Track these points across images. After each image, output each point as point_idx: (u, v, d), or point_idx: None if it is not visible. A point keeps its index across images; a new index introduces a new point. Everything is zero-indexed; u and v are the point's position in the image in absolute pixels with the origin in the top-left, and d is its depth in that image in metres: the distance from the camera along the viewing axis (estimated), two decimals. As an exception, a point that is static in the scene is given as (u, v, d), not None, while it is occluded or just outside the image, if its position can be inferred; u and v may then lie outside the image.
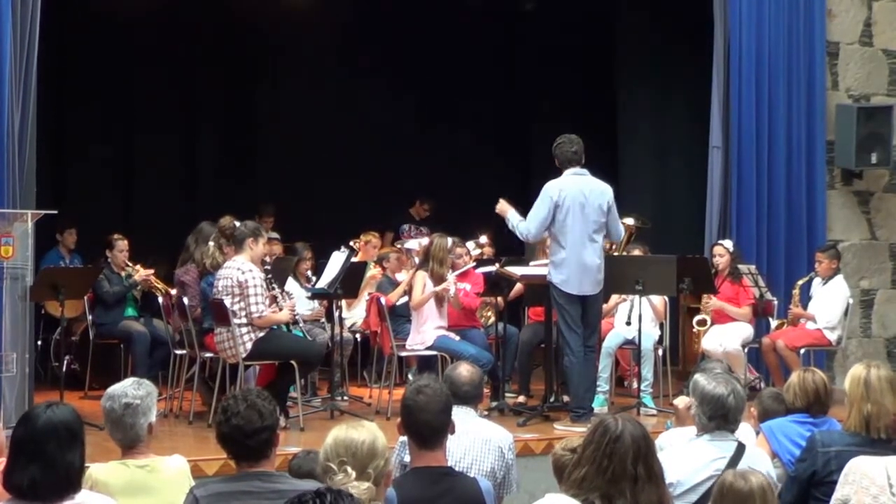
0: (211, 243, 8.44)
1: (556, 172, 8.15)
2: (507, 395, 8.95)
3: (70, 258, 10.43)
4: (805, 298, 9.58)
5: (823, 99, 10.21)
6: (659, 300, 9.33)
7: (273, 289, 8.02)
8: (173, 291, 8.93)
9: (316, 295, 9.23)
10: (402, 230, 12.26)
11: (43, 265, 9.01)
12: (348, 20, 12.14)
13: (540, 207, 7.95)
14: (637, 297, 8.79)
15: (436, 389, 4.24)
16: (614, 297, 9.31)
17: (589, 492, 3.61)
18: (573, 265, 7.92)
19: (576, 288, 7.95)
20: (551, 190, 7.96)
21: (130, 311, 9.80)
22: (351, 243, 10.33)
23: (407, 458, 4.48)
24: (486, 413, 7.81)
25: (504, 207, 8.27)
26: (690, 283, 9.00)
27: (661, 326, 9.46)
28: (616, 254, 9.57)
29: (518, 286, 9.16)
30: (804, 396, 5.51)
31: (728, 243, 9.60)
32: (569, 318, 7.94)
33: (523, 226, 8.08)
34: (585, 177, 8.05)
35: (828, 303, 9.42)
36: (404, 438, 4.53)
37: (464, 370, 5.13)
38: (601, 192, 8.05)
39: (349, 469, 3.50)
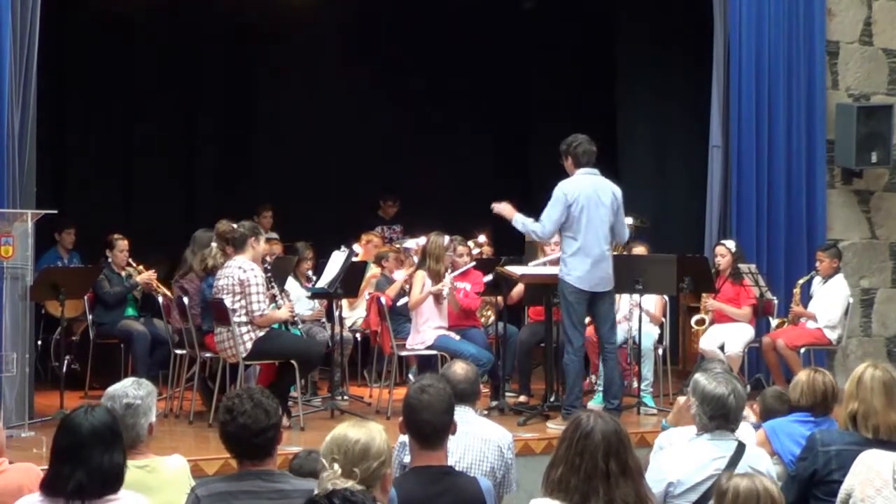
0: (214, 244, 8.43)
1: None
2: (507, 394, 8.95)
3: (69, 257, 10.42)
4: (805, 297, 9.58)
5: (823, 98, 10.22)
6: (657, 300, 9.33)
7: (272, 288, 8.03)
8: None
9: (316, 294, 9.23)
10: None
11: (40, 265, 8.99)
12: (348, 20, 12.14)
13: (553, 207, 7.96)
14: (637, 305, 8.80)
15: (439, 389, 4.23)
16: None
17: (567, 492, 3.61)
18: (587, 262, 7.93)
19: (588, 284, 7.96)
20: (565, 189, 7.97)
21: (131, 311, 9.80)
22: (354, 246, 10.33)
23: (406, 459, 4.47)
24: (485, 412, 7.82)
25: (505, 210, 8.23)
26: (690, 282, 9.01)
27: (661, 326, 9.46)
28: (616, 252, 9.55)
29: (518, 289, 9.15)
30: (811, 396, 5.49)
31: (730, 243, 9.58)
32: (574, 315, 7.95)
33: (536, 226, 8.06)
34: (597, 176, 8.07)
35: (828, 302, 9.42)
36: (404, 439, 4.53)
37: (459, 368, 5.12)
38: (612, 191, 8.08)
39: (336, 466, 3.48)
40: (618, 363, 8.28)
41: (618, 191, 8.12)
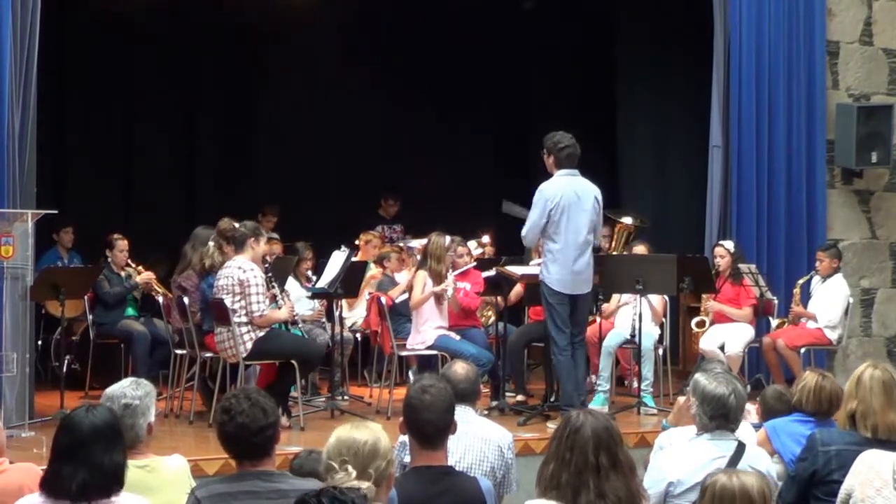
0: (211, 243, 8.43)
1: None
2: (506, 394, 8.95)
3: (68, 257, 10.42)
4: (805, 297, 9.57)
5: (823, 98, 10.21)
6: (658, 300, 9.33)
7: (272, 288, 8.03)
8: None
9: (316, 294, 9.24)
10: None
11: (41, 265, 8.99)
12: (348, 20, 12.14)
13: (534, 211, 7.96)
14: (638, 305, 8.78)
15: (440, 389, 4.24)
16: (614, 301, 9.32)
17: (560, 489, 3.63)
18: (567, 265, 7.92)
19: (568, 287, 7.94)
20: (546, 193, 7.95)
21: (131, 311, 9.81)
22: (356, 242, 10.33)
23: (406, 459, 4.47)
24: (486, 412, 7.81)
25: None
26: (690, 282, 9.00)
27: (661, 326, 9.46)
28: (616, 253, 9.56)
29: (518, 290, 9.16)
30: (817, 404, 5.47)
31: (729, 244, 9.58)
32: (557, 317, 7.94)
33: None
34: (577, 177, 8.04)
35: (828, 302, 9.41)
36: (404, 439, 4.53)
37: (459, 368, 5.12)
38: (593, 194, 8.06)
39: (350, 468, 3.50)
40: (585, 364, 8.24)
41: (598, 193, 8.10)
